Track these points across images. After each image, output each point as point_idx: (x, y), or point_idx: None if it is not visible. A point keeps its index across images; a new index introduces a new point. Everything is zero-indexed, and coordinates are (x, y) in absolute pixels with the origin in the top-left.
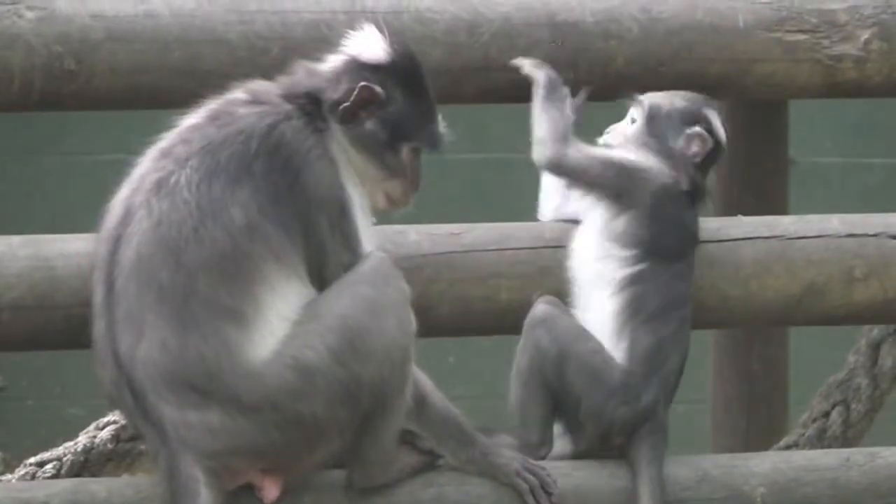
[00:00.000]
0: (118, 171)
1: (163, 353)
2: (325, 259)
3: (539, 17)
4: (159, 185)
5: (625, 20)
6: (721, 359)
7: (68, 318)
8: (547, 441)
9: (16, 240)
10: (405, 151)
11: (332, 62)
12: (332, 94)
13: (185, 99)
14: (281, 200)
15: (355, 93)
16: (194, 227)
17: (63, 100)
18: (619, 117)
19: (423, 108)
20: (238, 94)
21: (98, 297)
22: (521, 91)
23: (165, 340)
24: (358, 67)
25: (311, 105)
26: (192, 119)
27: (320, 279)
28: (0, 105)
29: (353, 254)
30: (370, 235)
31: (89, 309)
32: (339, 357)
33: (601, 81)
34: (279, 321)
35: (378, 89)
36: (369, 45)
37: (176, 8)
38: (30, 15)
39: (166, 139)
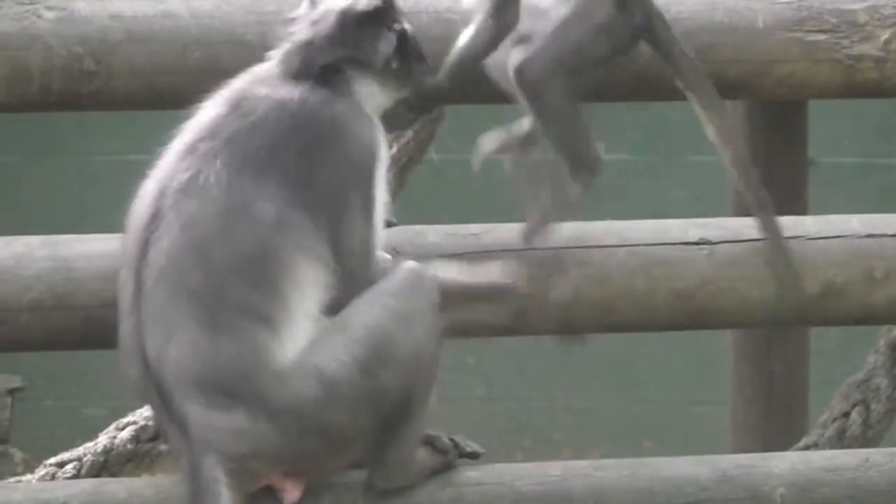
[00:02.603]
0: (137, 172)
1: (194, 356)
2: (343, 218)
3: None
4: (188, 185)
5: None
6: (740, 359)
7: (87, 318)
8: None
9: (35, 240)
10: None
11: (321, 25)
12: (357, 54)
13: (204, 99)
14: (313, 180)
15: (386, 42)
16: (223, 227)
17: (82, 100)
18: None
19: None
20: (250, 78)
21: (126, 296)
22: None
23: (197, 343)
24: (364, 20)
25: (329, 74)
26: (213, 110)
27: (336, 242)
28: (19, 105)
29: (367, 220)
30: (384, 199)
31: (109, 310)
32: (366, 368)
33: (621, 82)
34: (307, 322)
35: (407, 28)
36: None
37: (195, 8)
38: (49, 15)
39: (189, 132)
